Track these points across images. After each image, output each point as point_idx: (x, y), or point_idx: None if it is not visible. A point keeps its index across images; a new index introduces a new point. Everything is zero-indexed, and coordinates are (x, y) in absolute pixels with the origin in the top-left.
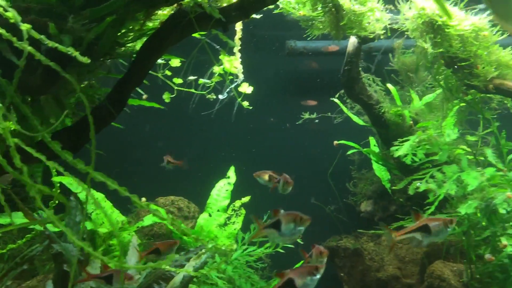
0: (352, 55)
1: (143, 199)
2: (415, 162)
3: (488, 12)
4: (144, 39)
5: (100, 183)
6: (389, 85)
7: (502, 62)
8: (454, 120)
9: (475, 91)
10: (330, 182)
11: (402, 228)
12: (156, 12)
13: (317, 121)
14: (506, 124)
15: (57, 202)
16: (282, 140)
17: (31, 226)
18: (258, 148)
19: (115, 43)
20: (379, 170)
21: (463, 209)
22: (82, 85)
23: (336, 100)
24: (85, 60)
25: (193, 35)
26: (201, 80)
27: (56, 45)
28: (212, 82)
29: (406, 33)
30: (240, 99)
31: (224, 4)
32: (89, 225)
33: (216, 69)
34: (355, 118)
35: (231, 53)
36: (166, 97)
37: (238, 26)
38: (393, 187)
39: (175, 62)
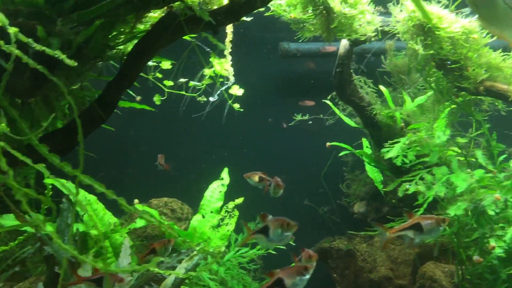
0: (344, 57)
1: (136, 200)
2: (406, 164)
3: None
4: (135, 41)
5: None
6: (381, 87)
7: (493, 64)
8: (446, 121)
9: (466, 93)
10: (323, 183)
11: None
12: (147, 14)
13: (310, 122)
14: (497, 126)
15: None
16: (277, 141)
17: (23, 228)
18: (252, 149)
19: (106, 45)
20: (372, 172)
21: (452, 211)
22: (73, 87)
23: (328, 102)
24: (72, 63)
25: (185, 37)
26: (191, 83)
27: (44, 48)
28: (202, 85)
29: (397, 35)
30: (230, 101)
31: (215, 7)
32: (81, 227)
33: (207, 71)
34: (347, 120)
35: (223, 55)
36: (157, 99)
37: (229, 28)
38: (384, 189)
39: (166, 65)
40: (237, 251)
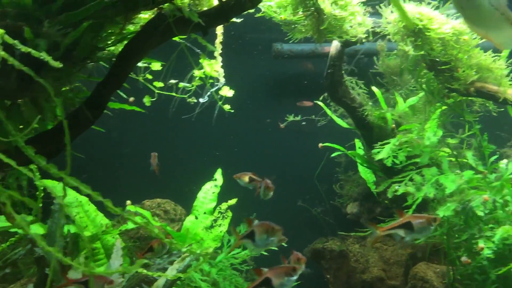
0: (335, 59)
1: (128, 202)
2: (397, 165)
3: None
4: (125, 42)
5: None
6: (374, 88)
7: (483, 66)
8: (437, 122)
9: (457, 94)
10: (317, 184)
11: None
12: (137, 16)
13: (304, 123)
14: (489, 127)
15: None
16: (270, 142)
17: (14, 230)
18: (245, 150)
19: (95, 47)
20: (365, 172)
21: (441, 212)
22: (64, 89)
23: (319, 103)
24: (57, 64)
25: (175, 38)
26: (181, 84)
27: (29, 50)
28: (192, 86)
29: (388, 36)
30: (221, 102)
31: (204, 8)
32: (72, 229)
33: (197, 72)
34: (339, 121)
35: (215, 56)
36: (147, 100)
37: (219, 30)
38: (377, 190)
39: (156, 66)
40: (229, 252)
